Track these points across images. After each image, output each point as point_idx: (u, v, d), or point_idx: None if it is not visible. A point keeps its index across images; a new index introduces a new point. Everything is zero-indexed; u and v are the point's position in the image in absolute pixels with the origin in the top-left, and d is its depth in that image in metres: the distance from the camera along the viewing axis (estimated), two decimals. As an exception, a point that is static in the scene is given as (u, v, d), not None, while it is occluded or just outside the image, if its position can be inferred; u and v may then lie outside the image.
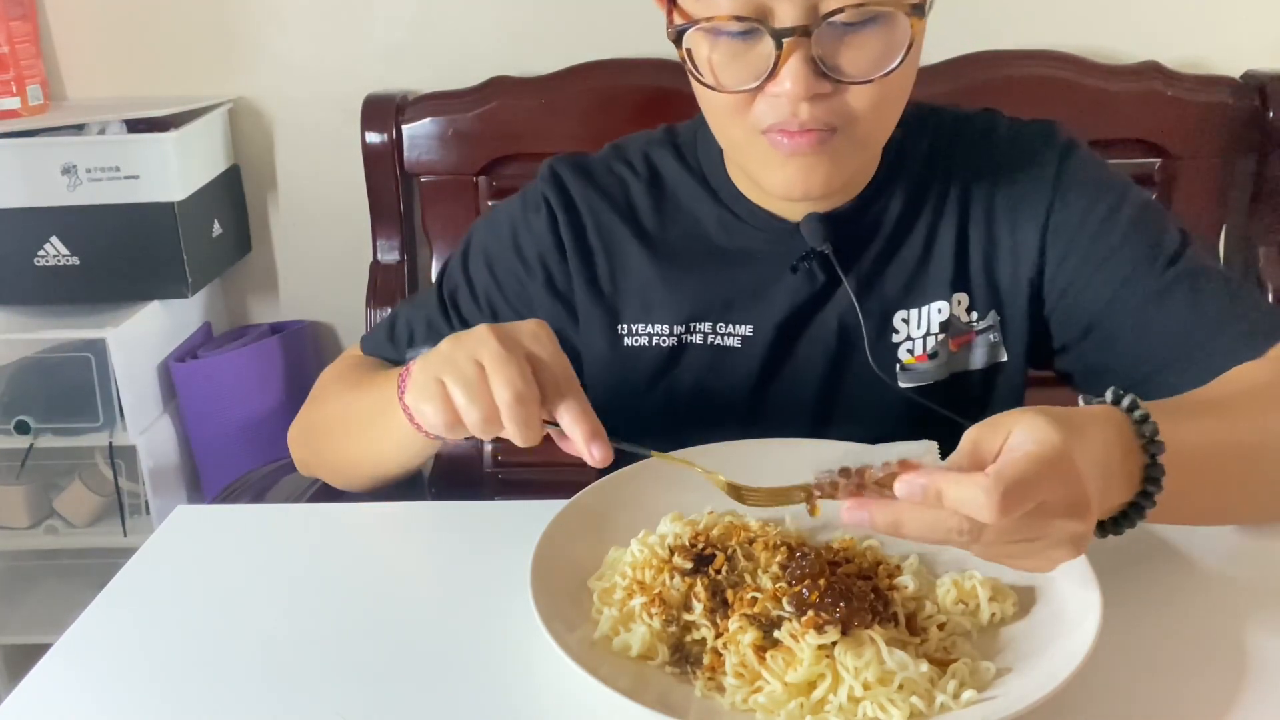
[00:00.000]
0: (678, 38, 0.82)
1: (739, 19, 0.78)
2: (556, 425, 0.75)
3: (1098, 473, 0.63)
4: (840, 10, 0.76)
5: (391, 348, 1.05)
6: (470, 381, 0.73)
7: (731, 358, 0.96)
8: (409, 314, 1.06)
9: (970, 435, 0.62)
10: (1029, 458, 0.59)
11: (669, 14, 0.83)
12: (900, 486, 0.60)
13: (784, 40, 0.77)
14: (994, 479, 0.57)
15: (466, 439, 0.82)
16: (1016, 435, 0.61)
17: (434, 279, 1.08)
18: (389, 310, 1.76)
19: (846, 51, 0.79)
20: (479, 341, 0.74)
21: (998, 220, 0.93)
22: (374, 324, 1.76)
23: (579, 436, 0.73)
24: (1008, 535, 0.60)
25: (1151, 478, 0.67)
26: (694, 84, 0.85)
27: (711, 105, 0.86)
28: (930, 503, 0.59)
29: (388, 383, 0.87)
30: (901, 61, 0.79)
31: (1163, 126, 1.61)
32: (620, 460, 0.86)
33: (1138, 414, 0.68)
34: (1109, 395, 0.70)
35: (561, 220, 0.98)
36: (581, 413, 0.73)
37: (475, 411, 0.73)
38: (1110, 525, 0.70)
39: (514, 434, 0.73)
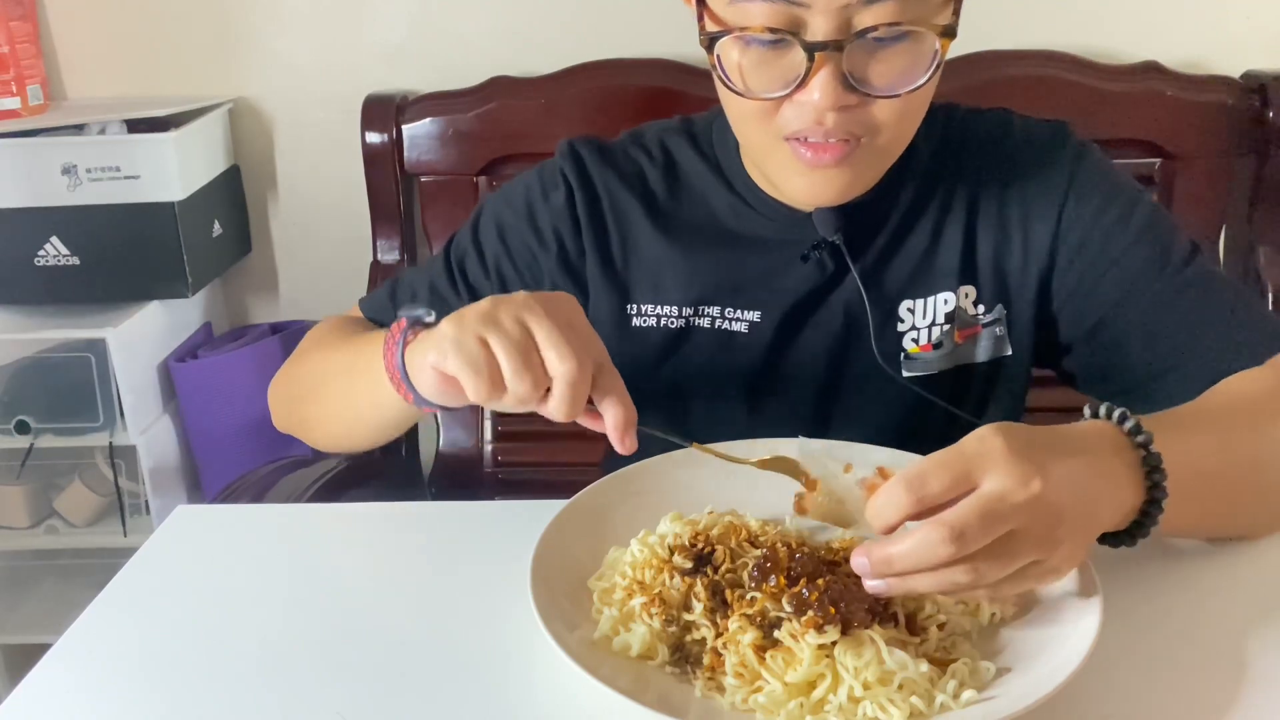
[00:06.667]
0: (710, 44, 0.82)
1: (772, 30, 0.79)
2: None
3: (1078, 468, 0.64)
4: (873, 28, 0.77)
5: (392, 311, 1.04)
6: (521, 347, 0.68)
7: (738, 342, 0.97)
8: (412, 278, 1.06)
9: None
10: (942, 452, 0.62)
11: (700, 19, 0.84)
12: (855, 561, 0.63)
13: (816, 53, 0.78)
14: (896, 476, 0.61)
15: (444, 408, 0.79)
16: (960, 442, 0.63)
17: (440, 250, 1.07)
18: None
19: (876, 65, 0.80)
20: (523, 305, 0.70)
21: (1009, 217, 0.94)
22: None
23: (615, 422, 0.70)
24: (977, 528, 0.60)
25: (1153, 467, 0.67)
26: (720, 87, 0.86)
27: (736, 110, 0.87)
28: (909, 532, 0.61)
29: (373, 341, 0.85)
30: (929, 78, 0.81)
31: (1163, 126, 1.61)
32: (622, 459, 0.86)
33: (1117, 414, 0.69)
34: (1086, 411, 0.71)
35: (579, 197, 0.99)
36: (620, 396, 0.71)
37: (525, 382, 0.68)
38: (1124, 535, 0.70)
39: (560, 409, 0.69)
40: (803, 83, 0.80)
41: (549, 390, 0.70)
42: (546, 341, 0.69)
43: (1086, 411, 0.71)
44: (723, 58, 0.83)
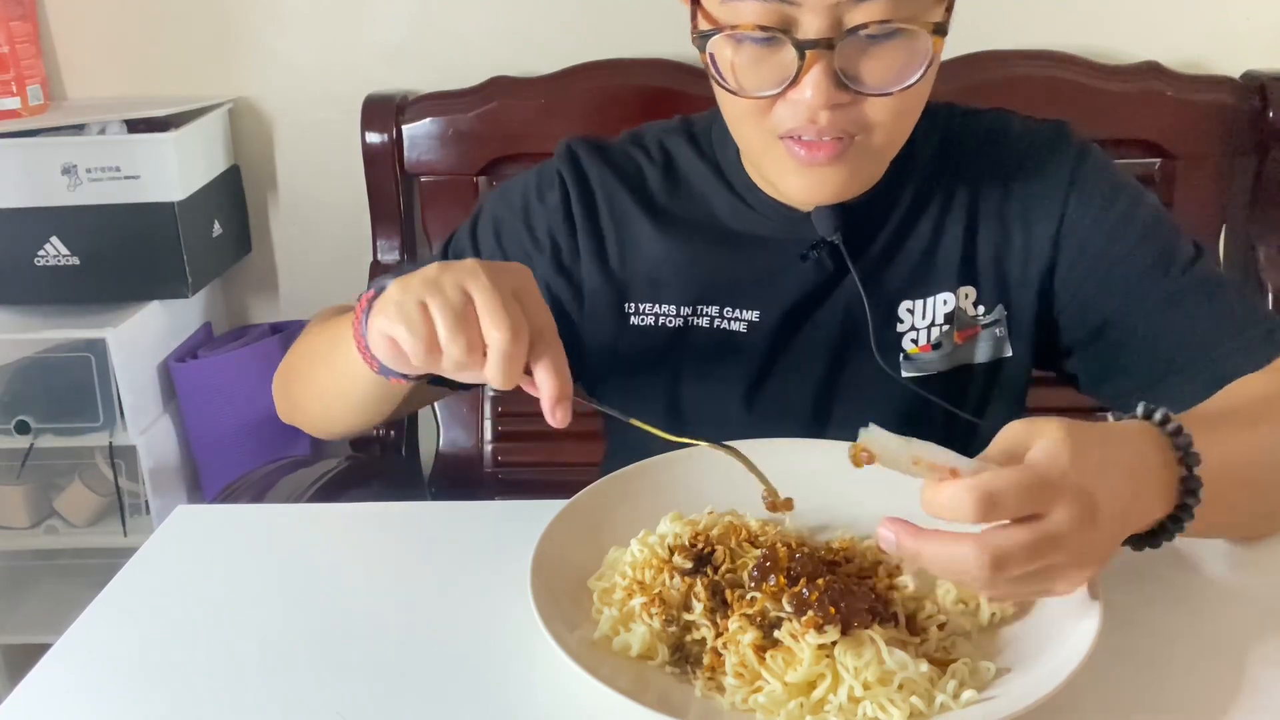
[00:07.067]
0: (702, 42, 0.83)
1: (762, 28, 0.79)
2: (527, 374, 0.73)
3: (1126, 488, 0.63)
4: (863, 26, 0.78)
5: None
6: (457, 311, 0.69)
7: (737, 342, 0.96)
8: (410, 272, 1.06)
9: (1008, 433, 0.63)
10: (1022, 473, 0.60)
11: (693, 17, 0.84)
12: (882, 531, 0.62)
13: (807, 51, 0.78)
14: (969, 486, 0.58)
15: (417, 378, 0.79)
16: (1032, 452, 0.62)
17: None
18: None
19: (867, 63, 0.80)
20: (468, 272, 0.71)
21: (1010, 217, 0.94)
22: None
23: (548, 392, 0.71)
24: (1020, 559, 0.59)
25: (1189, 490, 0.67)
26: (715, 87, 0.86)
27: (731, 109, 0.87)
28: (951, 536, 0.60)
29: (348, 318, 0.86)
30: (922, 76, 0.81)
31: (1163, 126, 1.61)
32: (622, 459, 0.86)
33: (1171, 426, 0.67)
34: (1140, 409, 0.69)
35: (575, 197, 0.99)
36: (556, 368, 0.71)
37: (458, 344, 0.69)
38: (1147, 538, 0.69)
39: (495, 375, 0.70)
40: (795, 81, 0.80)
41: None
42: (483, 308, 0.69)
43: (1140, 410, 0.69)
44: (716, 56, 0.83)
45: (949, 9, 0.82)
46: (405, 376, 0.80)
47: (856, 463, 0.64)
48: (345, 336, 0.83)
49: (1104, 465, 0.62)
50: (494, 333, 0.69)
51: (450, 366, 0.71)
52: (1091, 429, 0.64)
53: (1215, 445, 0.69)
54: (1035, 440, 0.62)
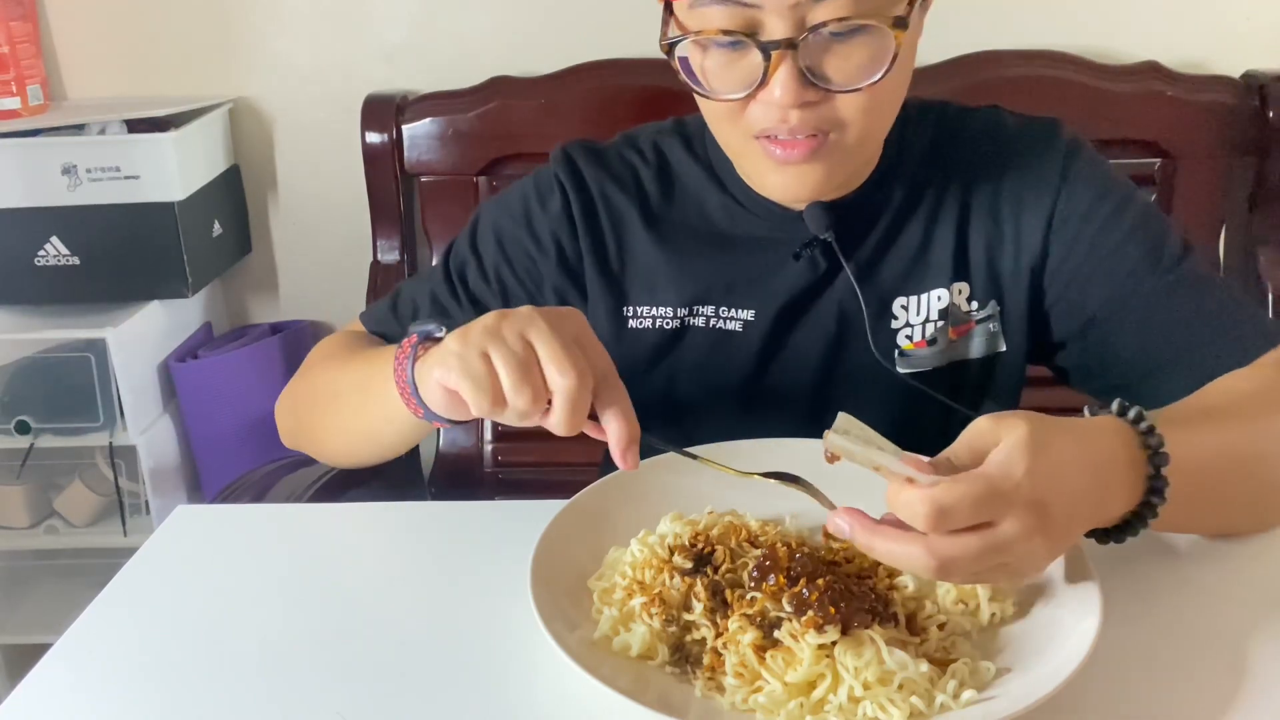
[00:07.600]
0: (669, 49, 0.84)
1: (727, 32, 0.80)
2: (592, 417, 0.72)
3: (1084, 488, 0.64)
4: (825, 24, 0.78)
5: (395, 323, 1.05)
6: (522, 362, 0.69)
7: (733, 341, 0.97)
8: (412, 289, 1.06)
9: (975, 430, 0.65)
10: (974, 484, 0.61)
11: (665, 25, 0.85)
12: (836, 520, 0.64)
13: (772, 52, 0.79)
14: (927, 500, 0.60)
15: (463, 421, 0.79)
16: (991, 455, 0.63)
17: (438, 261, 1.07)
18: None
19: (833, 60, 0.81)
20: (527, 319, 0.70)
21: (1001, 212, 0.95)
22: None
23: (618, 437, 0.70)
24: (967, 564, 0.61)
25: (1155, 489, 0.68)
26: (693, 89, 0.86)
27: (708, 110, 0.88)
28: (902, 535, 0.62)
29: (384, 356, 0.86)
30: (887, 71, 0.81)
31: (1163, 126, 1.61)
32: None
33: (1144, 425, 0.68)
34: (1115, 406, 0.70)
35: (574, 200, 0.99)
36: (624, 412, 0.71)
37: (524, 395, 0.68)
38: (1113, 533, 0.70)
39: (560, 422, 0.69)
40: (763, 82, 0.81)
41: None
42: (547, 356, 0.69)
43: (1114, 407, 0.70)
44: (689, 60, 0.84)
45: (913, 3, 0.81)
46: (451, 421, 0.79)
47: (828, 458, 0.66)
48: (379, 379, 0.83)
49: (1062, 468, 0.63)
50: (560, 379, 0.68)
51: (513, 417, 0.71)
52: (1058, 427, 0.64)
53: (1187, 443, 0.69)
54: (999, 439, 0.63)
